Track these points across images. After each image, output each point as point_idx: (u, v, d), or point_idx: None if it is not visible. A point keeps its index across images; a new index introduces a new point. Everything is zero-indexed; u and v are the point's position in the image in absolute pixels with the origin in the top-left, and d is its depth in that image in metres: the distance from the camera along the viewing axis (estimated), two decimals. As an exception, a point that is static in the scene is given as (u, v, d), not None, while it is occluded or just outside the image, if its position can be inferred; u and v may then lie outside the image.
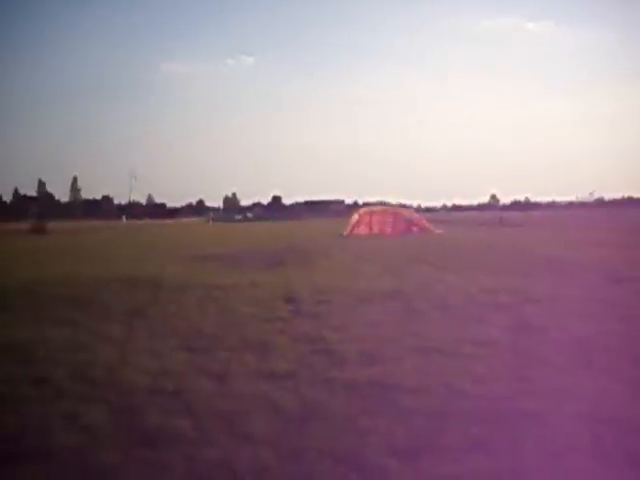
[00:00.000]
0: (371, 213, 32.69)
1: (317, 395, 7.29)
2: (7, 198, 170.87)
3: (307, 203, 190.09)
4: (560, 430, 6.04)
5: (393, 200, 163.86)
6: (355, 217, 32.76)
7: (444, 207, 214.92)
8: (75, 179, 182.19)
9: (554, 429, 6.08)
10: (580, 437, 5.86)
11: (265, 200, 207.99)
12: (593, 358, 8.67)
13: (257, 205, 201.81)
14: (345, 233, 31.38)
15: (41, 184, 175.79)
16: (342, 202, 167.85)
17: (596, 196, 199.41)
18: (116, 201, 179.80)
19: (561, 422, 6.26)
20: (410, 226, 30.46)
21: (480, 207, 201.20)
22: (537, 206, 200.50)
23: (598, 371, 8.06)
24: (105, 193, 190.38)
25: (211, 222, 79.90)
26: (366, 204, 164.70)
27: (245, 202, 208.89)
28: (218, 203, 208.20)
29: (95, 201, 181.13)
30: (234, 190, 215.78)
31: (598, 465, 5.24)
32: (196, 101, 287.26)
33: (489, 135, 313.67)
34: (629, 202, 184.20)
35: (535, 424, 6.23)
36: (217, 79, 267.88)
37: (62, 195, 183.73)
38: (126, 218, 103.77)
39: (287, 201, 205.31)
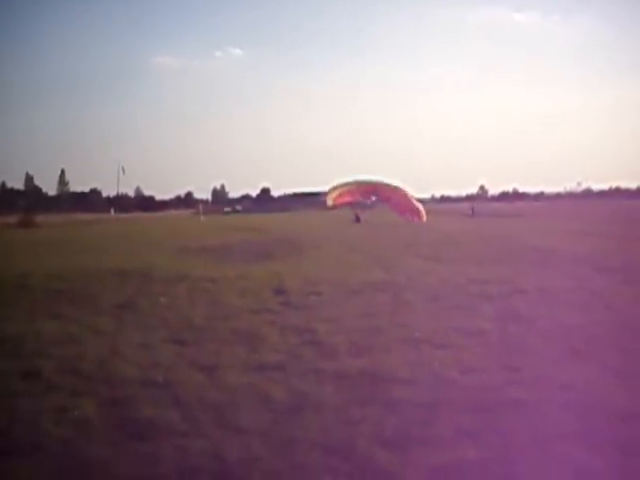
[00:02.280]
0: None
1: (307, 386, 7.32)
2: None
3: (296, 195, 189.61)
4: (548, 419, 6.10)
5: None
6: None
7: (433, 198, 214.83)
8: (63, 172, 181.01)
9: (542, 418, 6.14)
10: (568, 425, 5.91)
11: (254, 192, 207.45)
12: (581, 347, 8.74)
13: (246, 197, 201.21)
14: (330, 203, 30.80)
15: (28, 177, 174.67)
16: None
17: (584, 186, 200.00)
18: (104, 194, 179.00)
19: (549, 411, 6.32)
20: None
21: (469, 198, 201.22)
22: (525, 196, 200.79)
23: (586, 360, 8.12)
24: (93, 186, 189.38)
25: (202, 217, 79.12)
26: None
27: (234, 194, 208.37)
28: (207, 195, 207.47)
29: (83, 194, 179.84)
30: (223, 182, 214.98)
31: (586, 453, 5.30)
32: (184, 94, 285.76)
33: (477, 126, 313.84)
34: (617, 192, 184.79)
35: (523, 413, 6.28)
36: (205, 72, 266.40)
37: (50, 188, 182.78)
38: (115, 211, 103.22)
39: (276, 193, 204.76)
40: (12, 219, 73.96)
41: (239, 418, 6.34)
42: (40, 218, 76.05)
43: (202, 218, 76.73)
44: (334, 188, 31.26)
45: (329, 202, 31.20)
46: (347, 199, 30.79)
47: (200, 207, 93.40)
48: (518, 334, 9.65)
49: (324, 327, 10.38)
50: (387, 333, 9.91)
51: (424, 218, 29.78)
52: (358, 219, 59.22)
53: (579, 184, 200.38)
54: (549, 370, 7.69)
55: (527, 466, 5.11)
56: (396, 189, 29.35)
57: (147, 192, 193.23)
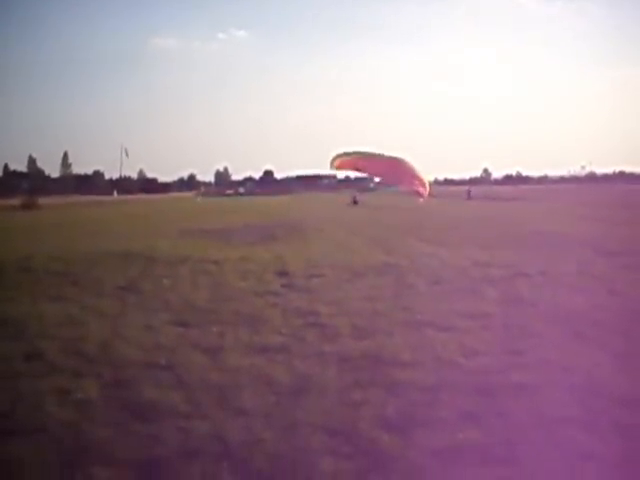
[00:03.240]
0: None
1: (309, 368, 7.32)
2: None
3: (299, 177, 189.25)
4: (551, 402, 6.10)
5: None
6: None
7: (436, 181, 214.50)
8: (66, 154, 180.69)
9: (545, 401, 6.14)
10: (570, 409, 5.91)
11: (257, 174, 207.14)
12: (583, 331, 8.73)
13: (249, 179, 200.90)
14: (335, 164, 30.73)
15: (31, 160, 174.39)
16: (334, 177, 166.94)
17: (588, 170, 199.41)
18: (107, 176, 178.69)
19: (552, 394, 6.32)
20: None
21: (472, 181, 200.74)
22: (529, 180, 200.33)
23: (588, 344, 8.12)
24: (96, 168, 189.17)
25: (200, 198, 78.92)
26: (357, 179, 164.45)
27: (237, 177, 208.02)
28: (210, 178, 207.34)
29: (86, 176, 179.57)
30: (226, 164, 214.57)
31: (588, 436, 5.29)
32: (188, 75, 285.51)
33: (480, 109, 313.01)
34: (621, 176, 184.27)
35: (526, 396, 6.28)
36: (208, 53, 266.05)
37: (53, 171, 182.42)
38: (117, 193, 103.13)
39: (279, 175, 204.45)
40: (15, 201, 73.95)
41: (242, 400, 6.34)
42: (43, 200, 76.06)
43: (199, 199, 76.49)
44: (337, 156, 31.30)
45: (331, 167, 31.21)
46: (350, 165, 30.69)
47: (202, 189, 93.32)
48: (521, 317, 9.64)
49: (327, 309, 10.38)
50: (390, 316, 9.91)
51: (427, 192, 29.56)
52: (355, 202, 59.90)
53: (583, 168, 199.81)
54: (552, 353, 7.69)
55: (530, 449, 5.10)
56: (399, 161, 29.17)
57: (150, 174, 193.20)
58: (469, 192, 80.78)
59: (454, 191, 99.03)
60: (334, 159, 31.34)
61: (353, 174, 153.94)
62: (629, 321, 9.35)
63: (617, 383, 6.59)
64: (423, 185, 29.37)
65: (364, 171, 30.42)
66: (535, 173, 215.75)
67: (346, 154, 31.01)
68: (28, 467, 4.94)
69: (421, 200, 31.13)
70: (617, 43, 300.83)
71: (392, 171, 28.72)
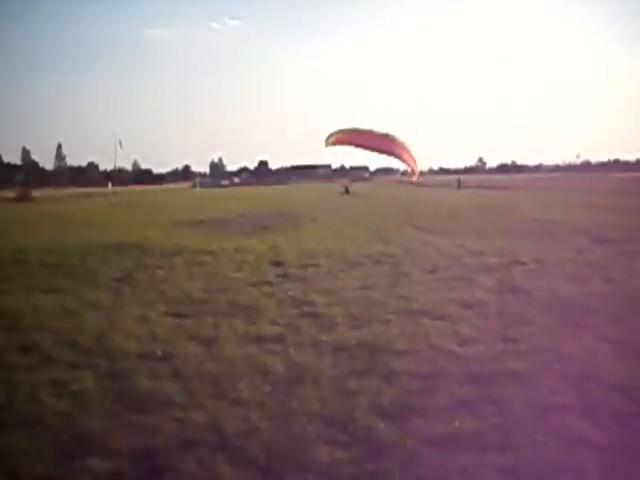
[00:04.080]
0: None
1: (305, 358, 7.33)
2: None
3: (294, 167, 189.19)
4: (546, 390, 6.12)
5: (380, 164, 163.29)
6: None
7: (431, 170, 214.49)
8: (60, 146, 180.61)
9: (540, 389, 6.16)
10: (565, 396, 5.93)
11: (252, 165, 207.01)
12: (578, 318, 8.75)
13: (244, 170, 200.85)
14: (331, 140, 31.15)
15: (25, 152, 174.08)
16: (329, 166, 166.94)
17: (583, 159, 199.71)
18: (102, 167, 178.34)
19: (547, 382, 6.34)
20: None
21: (467, 170, 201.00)
22: (523, 169, 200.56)
23: (583, 331, 8.14)
24: (90, 160, 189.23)
25: (198, 187, 78.89)
26: (353, 168, 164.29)
27: (231, 167, 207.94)
28: (204, 168, 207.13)
29: (80, 168, 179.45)
30: (220, 155, 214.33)
31: (583, 423, 5.31)
32: (181, 66, 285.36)
33: (476, 99, 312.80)
34: (616, 165, 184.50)
35: (521, 384, 6.30)
36: (202, 43, 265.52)
37: (47, 163, 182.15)
38: (112, 184, 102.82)
39: (274, 166, 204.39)
40: (9, 193, 73.80)
41: (237, 390, 6.34)
42: (37, 192, 75.93)
43: (197, 189, 76.46)
44: (334, 133, 31.55)
45: (326, 144, 31.46)
46: (345, 140, 30.96)
47: (197, 179, 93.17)
48: (516, 305, 9.67)
49: (322, 299, 10.39)
50: (385, 305, 9.92)
51: (417, 168, 29.84)
52: (347, 191, 60.60)
53: (578, 156, 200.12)
54: (547, 341, 7.71)
55: (525, 436, 5.12)
56: (392, 136, 29.39)
57: (144, 165, 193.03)
58: (459, 181, 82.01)
59: (447, 180, 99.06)
60: (330, 136, 31.67)
61: (348, 163, 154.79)
62: (624, 309, 9.37)
63: (612, 370, 6.61)
64: (414, 160, 29.60)
65: (359, 145, 30.74)
66: (530, 162, 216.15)
67: (342, 131, 31.30)
68: (24, 458, 4.94)
69: (414, 178, 31.24)
70: (612, 32, 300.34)
71: (386, 145, 29.01)
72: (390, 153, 28.94)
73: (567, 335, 8.00)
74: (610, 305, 9.56)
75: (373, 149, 29.84)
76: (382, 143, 28.85)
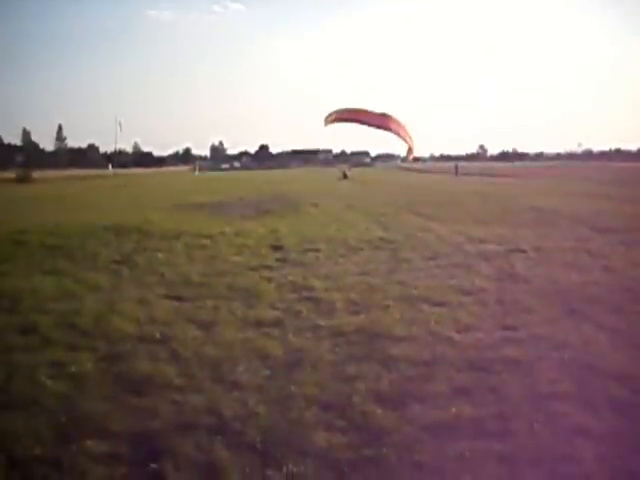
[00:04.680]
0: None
1: (304, 343, 7.34)
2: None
3: (295, 152, 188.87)
4: (544, 378, 6.13)
5: (381, 149, 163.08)
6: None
7: (432, 157, 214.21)
8: (60, 127, 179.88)
9: (538, 377, 6.17)
10: (564, 384, 5.94)
11: (252, 149, 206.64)
12: (577, 307, 8.76)
13: (244, 154, 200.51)
14: (330, 119, 31.71)
15: (26, 133, 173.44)
16: (330, 151, 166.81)
17: (584, 148, 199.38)
18: (102, 150, 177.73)
19: (545, 370, 6.35)
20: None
21: (468, 157, 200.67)
22: (525, 157, 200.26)
23: (582, 320, 8.14)
24: (91, 142, 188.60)
25: (197, 172, 78.60)
26: (354, 153, 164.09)
27: (232, 151, 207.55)
28: (205, 152, 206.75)
29: (81, 150, 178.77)
30: (221, 139, 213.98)
31: (581, 412, 5.33)
32: (183, 49, 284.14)
33: (477, 86, 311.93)
34: (617, 154, 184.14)
35: (520, 372, 6.31)
36: (204, 26, 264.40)
37: (47, 144, 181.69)
38: (112, 167, 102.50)
39: (274, 150, 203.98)
40: (9, 175, 73.60)
41: (236, 374, 6.36)
42: (37, 174, 75.62)
43: (197, 173, 76.22)
44: (331, 113, 31.86)
45: (325, 123, 31.79)
46: (344, 117, 31.27)
47: (197, 163, 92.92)
48: (515, 293, 9.68)
49: (321, 284, 10.40)
50: (385, 291, 9.93)
51: (413, 146, 30.14)
52: (345, 176, 61.22)
53: (579, 145, 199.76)
54: (545, 329, 7.72)
55: (523, 424, 5.14)
56: (390, 115, 29.69)
57: (145, 148, 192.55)
58: (457, 167, 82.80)
59: (447, 167, 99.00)
60: (329, 115, 31.93)
61: (349, 149, 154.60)
62: (624, 298, 9.37)
63: (611, 359, 6.62)
64: (410, 138, 29.89)
65: (357, 120, 30.95)
66: (531, 150, 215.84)
67: (340, 110, 31.60)
68: (22, 440, 4.95)
69: (411, 157, 31.56)
70: (615, 19, 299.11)
71: (383, 121, 29.38)
72: (387, 128, 29.25)
73: (566, 324, 8.01)
74: (609, 294, 9.57)
75: (370, 124, 30.09)
76: (379, 120, 29.22)
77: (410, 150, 31.05)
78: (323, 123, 32.04)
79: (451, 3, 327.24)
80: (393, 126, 29.17)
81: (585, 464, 4.52)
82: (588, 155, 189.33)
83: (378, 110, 28.95)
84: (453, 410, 5.41)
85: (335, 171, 69.55)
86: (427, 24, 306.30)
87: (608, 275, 11.04)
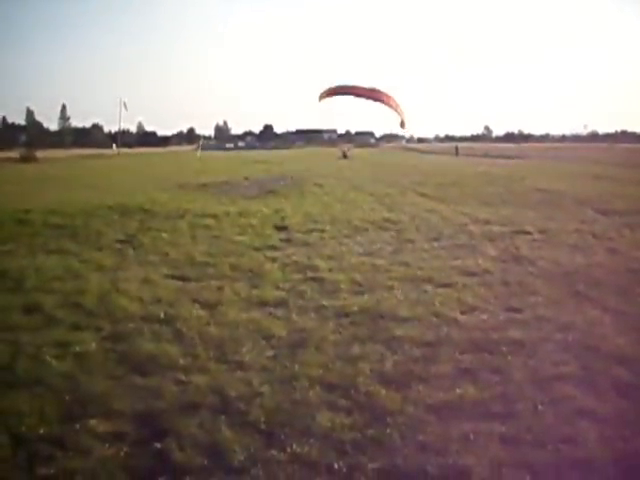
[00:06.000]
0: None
1: (308, 323, 7.34)
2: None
3: (299, 132, 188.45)
4: (548, 359, 6.13)
5: (386, 130, 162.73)
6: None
7: (437, 138, 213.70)
8: (64, 107, 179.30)
9: (542, 358, 6.16)
10: (567, 366, 5.94)
11: (257, 129, 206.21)
12: (581, 289, 8.75)
13: (249, 134, 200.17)
14: (323, 95, 32.42)
15: (29, 112, 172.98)
16: (334, 131, 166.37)
17: (590, 129, 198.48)
18: (106, 129, 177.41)
19: (549, 351, 6.35)
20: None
21: (473, 138, 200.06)
22: (530, 138, 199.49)
23: (587, 302, 8.13)
24: (95, 121, 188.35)
25: (199, 152, 78.36)
26: (359, 133, 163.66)
27: (236, 131, 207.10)
28: (209, 131, 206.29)
29: (85, 129, 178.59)
30: (225, 118, 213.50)
31: (585, 394, 5.32)
32: (187, 27, 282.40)
33: (483, 66, 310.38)
34: (623, 136, 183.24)
35: (524, 353, 6.31)
36: (207, 3, 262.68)
37: (51, 123, 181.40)
38: (116, 146, 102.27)
39: (279, 130, 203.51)
40: (13, 154, 73.57)
41: (240, 354, 6.36)
42: (41, 153, 75.56)
43: (199, 154, 75.99)
44: (327, 89, 32.52)
45: (320, 99, 32.42)
46: (337, 91, 31.92)
47: (200, 142, 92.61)
48: (520, 275, 9.66)
49: (326, 264, 10.39)
50: (389, 271, 9.92)
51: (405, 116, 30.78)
52: (345, 156, 62.15)
53: (585, 127, 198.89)
54: (550, 311, 7.72)
55: (527, 405, 5.14)
56: (381, 90, 30.36)
57: (149, 128, 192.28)
58: (457, 148, 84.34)
59: (450, 148, 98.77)
60: (323, 91, 32.44)
61: (354, 129, 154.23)
62: (628, 280, 9.35)
63: (614, 342, 6.62)
64: (401, 110, 30.45)
65: (351, 94, 31.45)
66: (537, 132, 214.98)
67: (333, 88, 32.25)
68: (27, 419, 4.96)
69: (404, 128, 31.95)
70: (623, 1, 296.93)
71: (374, 94, 30.05)
72: (377, 99, 30.02)
73: (570, 306, 8.00)
74: (614, 276, 9.55)
75: (361, 96, 30.81)
76: (369, 92, 30.08)
77: (402, 122, 31.64)
78: (318, 99, 32.62)
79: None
80: (383, 98, 29.73)
81: (589, 446, 4.52)
82: (594, 137, 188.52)
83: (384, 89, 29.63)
84: (457, 391, 5.41)
85: (337, 151, 70.00)
86: (435, 4, 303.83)
87: (612, 257, 11.02)
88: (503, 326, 7.13)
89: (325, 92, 32.46)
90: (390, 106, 29.97)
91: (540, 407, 5.10)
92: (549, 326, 7.14)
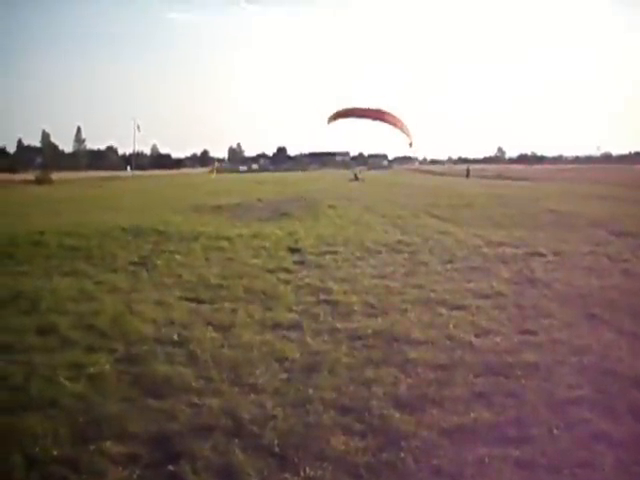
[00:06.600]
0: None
1: (322, 346, 7.33)
2: (11, 149, 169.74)
3: (312, 154, 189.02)
4: (563, 383, 6.09)
5: (398, 152, 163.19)
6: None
7: (450, 159, 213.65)
8: (79, 129, 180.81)
9: (557, 382, 6.12)
10: (583, 390, 5.90)
11: (270, 151, 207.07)
12: (596, 312, 8.69)
13: (262, 156, 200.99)
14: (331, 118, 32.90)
15: (45, 135, 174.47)
16: (347, 154, 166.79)
17: (603, 151, 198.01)
18: (121, 151, 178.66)
19: (564, 375, 6.31)
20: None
21: (486, 160, 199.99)
22: (544, 160, 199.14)
23: (602, 325, 8.09)
24: (109, 143, 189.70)
25: (214, 174, 78.95)
26: (371, 156, 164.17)
27: (250, 153, 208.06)
28: (223, 154, 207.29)
29: (99, 152, 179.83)
30: (239, 141, 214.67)
31: (601, 417, 5.28)
32: (201, 50, 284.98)
33: (496, 89, 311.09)
34: (637, 157, 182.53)
35: (538, 377, 6.27)
36: (221, 28, 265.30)
37: (66, 146, 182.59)
38: (131, 168, 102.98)
39: (292, 152, 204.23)
40: (29, 176, 74.23)
41: (253, 376, 6.36)
42: (56, 175, 76.19)
43: (213, 176, 76.52)
44: (336, 112, 32.92)
45: (329, 122, 32.77)
46: (344, 114, 32.29)
47: (215, 164, 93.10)
48: (534, 297, 9.62)
49: (339, 287, 10.38)
50: (402, 294, 9.90)
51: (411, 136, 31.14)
52: (356, 178, 63.41)
53: (598, 148, 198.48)
54: (565, 334, 7.67)
55: (541, 429, 5.10)
56: (388, 111, 30.69)
57: (163, 150, 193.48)
58: (468, 170, 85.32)
59: (460, 170, 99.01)
60: (332, 115, 32.85)
61: (367, 151, 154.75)
62: (643, 302, 9.29)
63: (630, 364, 6.57)
64: (407, 130, 30.75)
65: (357, 116, 31.72)
66: (550, 153, 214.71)
67: (341, 111, 32.69)
68: (41, 440, 4.97)
69: (410, 142, 32.26)
70: (636, 24, 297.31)
71: (380, 115, 30.31)
72: (383, 120, 30.34)
73: (585, 328, 7.95)
74: (629, 298, 9.49)
75: (367, 117, 31.15)
76: (375, 113, 30.44)
77: (410, 142, 32.09)
78: (326, 122, 33.06)
79: (472, 4, 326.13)
80: (389, 118, 30.00)
81: (605, 470, 4.48)
82: (607, 158, 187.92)
83: (400, 117, 30.03)
84: (472, 415, 5.38)
85: (350, 174, 71.21)
86: (446, 25, 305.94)
87: (628, 279, 10.95)
88: (517, 349, 7.09)
89: (333, 115, 32.91)
90: (396, 126, 30.27)
91: (555, 431, 5.06)
92: (564, 349, 7.10)
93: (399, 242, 15.35)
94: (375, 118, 30.71)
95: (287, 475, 4.51)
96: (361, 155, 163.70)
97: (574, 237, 16.26)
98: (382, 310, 8.93)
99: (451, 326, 8.03)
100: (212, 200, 30.65)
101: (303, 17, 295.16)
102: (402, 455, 4.73)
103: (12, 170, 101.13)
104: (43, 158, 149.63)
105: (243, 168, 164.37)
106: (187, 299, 9.74)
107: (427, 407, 5.57)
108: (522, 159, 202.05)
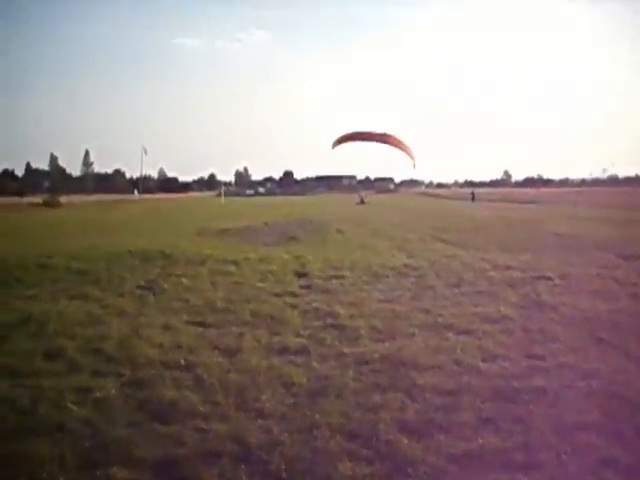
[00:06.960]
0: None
1: (328, 370, 7.32)
2: (19, 172, 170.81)
3: (319, 178, 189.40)
4: (571, 407, 6.06)
5: (405, 176, 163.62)
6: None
7: (456, 183, 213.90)
8: (87, 153, 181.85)
9: (565, 406, 6.10)
10: (591, 414, 5.87)
11: (277, 175, 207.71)
12: (604, 336, 8.66)
13: (269, 180, 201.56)
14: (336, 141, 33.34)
15: (53, 158, 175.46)
16: (354, 177, 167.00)
17: (610, 173, 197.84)
18: (128, 175, 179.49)
19: (572, 399, 6.28)
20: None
21: (493, 183, 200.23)
22: (550, 183, 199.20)
23: (609, 349, 8.05)
24: (117, 167, 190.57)
25: (223, 198, 79.37)
26: (378, 179, 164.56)
27: (257, 177, 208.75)
28: (230, 177, 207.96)
29: (107, 175, 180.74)
30: (246, 164, 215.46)
31: (609, 442, 5.25)
32: (209, 75, 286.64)
33: (502, 112, 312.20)
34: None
35: (546, 401, 6.25)
36: (230, 53, 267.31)
37: (74, 169, 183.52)
38: (138, 192, 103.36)
39: (299, 176, 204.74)
40: (37, 199, 74.58)
41: (260, 401, 6.35)
42: (64, 198, 76.57)
43: (222, 200, 76.92)
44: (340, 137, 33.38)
45: (334, 146, 33.21)
46: (349, 138, 32.72)
47: (222, 189, 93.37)
48: (542, 321, 9.59)
49: (346, 311, 10.36)
50: (409, 318, 9.87)
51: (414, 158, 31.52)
52: (362, 201, 64.15)
53: (605, 171, 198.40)
54: (573, 358, 7.63)
55: (549, 455, 5.08)
56: (391, 134, 31.14)
57: (170, 174, 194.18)
58: (473, 194, 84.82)
59: (465, 194, 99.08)
60: (337, 139, 33.27)
61: (374, 175, 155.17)
62: (651, 326, 9.26)
63: (639, 388, 6.53)
64: (409, 149, 31.08)
65: (362, 139, 32.08)
66: (556, 176, 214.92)
67: (346, 135, 33.12)
68: (47, 465, 4.97)
69: (413, 163, 32.53)
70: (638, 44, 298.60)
71: (384, 138, 30.67)
72: (387, 142, 30.76)
73: (593, 352, 7.92)
74: (637, 322, 9.46)
75: (371, 140, 31.56)
76: (379, 136, 30.87)
77: (413, 164, 32.47)
78: (331, 146, 33.48)
79: (474, 30, 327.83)
80: (393, 141, 30.30)
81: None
82: (614, 181, 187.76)
83: (406, 141, 30.41)
84: (479, 440, 5.36)
85: (355, 197, 71.94)
86: (451, 50, 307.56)
87: (635, 303, 10.91)
88: (525, 374, 7.07)
89: (338, 139, 33.25)
90: (399, 148, 30.56)
91: (563, 456, 5.04)
92: (571, 373, 7.07)
93: (406, 266, 15.33)
94: (379, 141, 31.06)
95: (294, 501, 4.49)
96: (368, 179, 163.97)
97: (581, 260, 16.22)
98: (389, 334, 8.91)
99: (458, 351, 8.01)
100: (219, 223, 30.70)
101: (311, 44, 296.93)
102: (410, 481, 4.72)
103: (20, 193, 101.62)
104: (51, 181, 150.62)
105: (250, 192, 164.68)
106: (194, 323, 9.74)
107: (434, 432, 5.56)
108: (528, 182, 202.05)
